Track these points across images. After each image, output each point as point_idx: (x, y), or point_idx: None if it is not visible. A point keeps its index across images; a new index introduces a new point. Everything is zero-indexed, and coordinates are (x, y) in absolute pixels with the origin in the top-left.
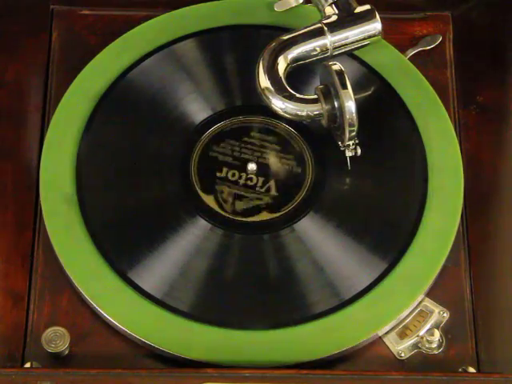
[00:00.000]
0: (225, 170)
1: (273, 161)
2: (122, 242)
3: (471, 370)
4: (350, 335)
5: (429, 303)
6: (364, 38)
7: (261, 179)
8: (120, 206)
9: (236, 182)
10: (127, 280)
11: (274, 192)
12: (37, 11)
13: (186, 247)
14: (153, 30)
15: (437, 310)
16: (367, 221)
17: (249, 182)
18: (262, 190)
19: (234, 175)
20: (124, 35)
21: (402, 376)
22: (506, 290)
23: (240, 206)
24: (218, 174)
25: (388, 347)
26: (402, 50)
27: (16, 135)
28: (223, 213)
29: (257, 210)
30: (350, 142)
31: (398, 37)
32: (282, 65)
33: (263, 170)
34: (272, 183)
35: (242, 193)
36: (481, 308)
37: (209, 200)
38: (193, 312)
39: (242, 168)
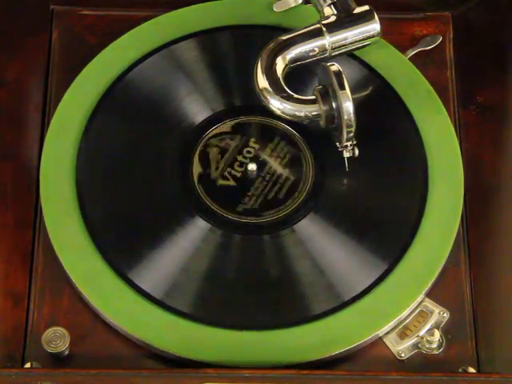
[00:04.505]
0: (243, 143)
1: (261, 176)
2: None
3: (471, 370)
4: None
5: (429, 303)
6: (363, 39)
7: (237, 175)
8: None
9: (234, 158)
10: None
11: (226, 182)
12: (37, 11)
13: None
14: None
15: (437, 311)
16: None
17: (236, 167)
18: (223, 176)
19: (240, 153)
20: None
21: (402, 376)
22: (506, 291)
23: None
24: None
25: (388, 347)
26: (402, 50)
27: (16, 135)
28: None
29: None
30: (348, 143)
31: (398, 37)
32: (280, 65)
33: (249, 179)
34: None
35: (221, 159)
36: (481, 308)
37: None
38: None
39: (250, 159)
